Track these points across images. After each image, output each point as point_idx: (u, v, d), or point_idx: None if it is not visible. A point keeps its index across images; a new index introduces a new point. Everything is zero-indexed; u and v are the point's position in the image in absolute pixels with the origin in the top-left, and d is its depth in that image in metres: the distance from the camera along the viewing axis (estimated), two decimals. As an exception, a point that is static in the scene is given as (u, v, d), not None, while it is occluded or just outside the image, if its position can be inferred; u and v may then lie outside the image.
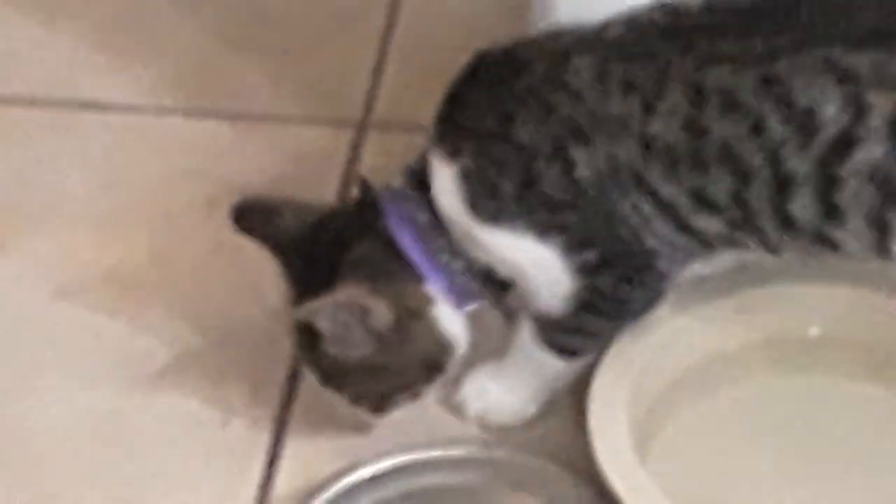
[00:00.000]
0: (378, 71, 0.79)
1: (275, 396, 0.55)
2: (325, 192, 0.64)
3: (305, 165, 0.70)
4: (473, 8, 0.82)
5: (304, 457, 0.53)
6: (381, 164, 0.62)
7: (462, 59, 0.51)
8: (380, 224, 0.52)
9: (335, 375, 0.53)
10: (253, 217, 0.55)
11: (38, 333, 0.61)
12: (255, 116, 0.77)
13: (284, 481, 0.52)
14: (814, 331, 0.59)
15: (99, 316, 0.61)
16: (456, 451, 0.52)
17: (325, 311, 0.49)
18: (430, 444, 0.52)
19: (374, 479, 0.51)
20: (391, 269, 0.52)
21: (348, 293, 0.49)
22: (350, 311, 0.50)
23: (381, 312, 0.51)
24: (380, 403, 0.52)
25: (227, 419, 0.54)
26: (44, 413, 0.56)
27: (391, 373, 0.53)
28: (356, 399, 0.53)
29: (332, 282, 0.51)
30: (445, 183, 0.50)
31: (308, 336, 0.52)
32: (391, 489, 0.51)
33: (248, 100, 0.77)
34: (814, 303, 0.58)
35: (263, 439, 0.54)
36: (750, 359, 0.59)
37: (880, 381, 0.57)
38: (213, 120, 0.76)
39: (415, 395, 0.52)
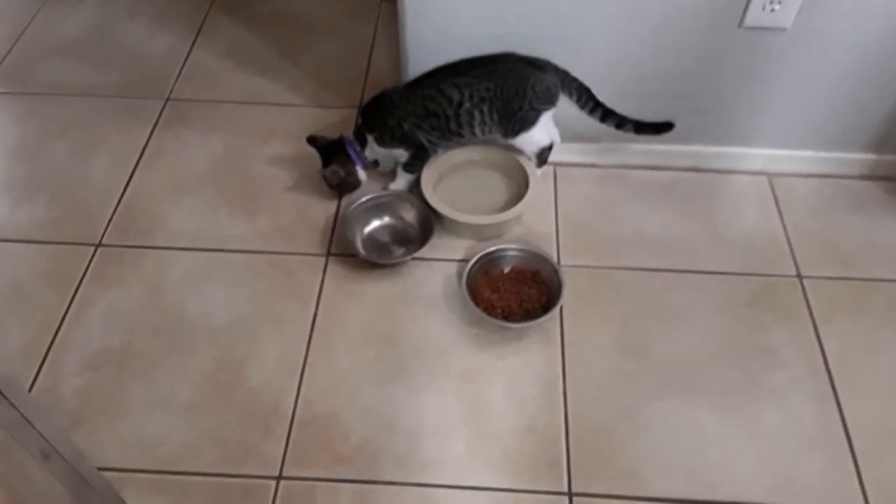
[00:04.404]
0: (365, 81, 1.92)
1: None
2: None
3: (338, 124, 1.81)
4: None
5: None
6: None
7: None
8: (345, 147, 1.62)
9: (328, 184, 1.63)
10: (311, 140, 1.64)
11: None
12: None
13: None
14: (477, 156, 1.68)
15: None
16: (386, 194, 1.66)
17: (328, 171, 1.61)
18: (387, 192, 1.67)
19: (364, 210, 1.66)
20: (346, 161, 1.62)
21: (334, 166, 1.62)
22: (334, 170, 1.61)
23: (342, 171, 1.62)
24: (337, 193, 1.66)
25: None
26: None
27: (345, 187, 1.65)
28: (332, 189, 1.65)
29: (330, 162, 1.61)
30: (371, 139, 1.60)
31: (323, 176, 1.62)
32: (367, 204, 1.64)
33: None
34: (481, 147, 1.67)
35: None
36: (465, 166, 1.69)
37: (502, 174, 1.68)
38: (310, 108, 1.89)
39: (348, 194, 1.66)
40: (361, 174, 1.64)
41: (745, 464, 1.30)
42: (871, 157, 1.73)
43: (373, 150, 1.63)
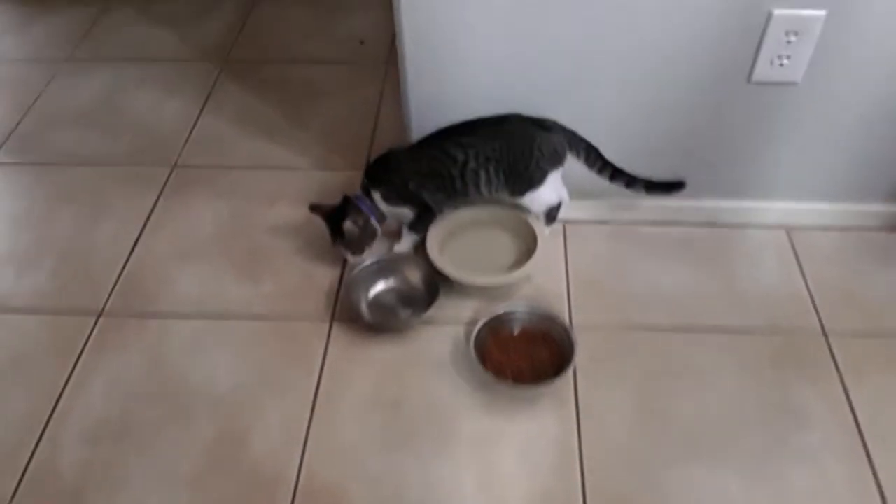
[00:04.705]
0: (371, 143, 1.91)
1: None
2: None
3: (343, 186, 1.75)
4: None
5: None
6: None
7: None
8: (355, 204, 1.54)
9: (346, 244, 1.56)
10: (315, 208, 1.59)
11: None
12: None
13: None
14: (483, 215, 1.63)
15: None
16: (391, 256, 1.63)
17: (347, 226, 1.56)
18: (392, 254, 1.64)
19: (369, 273, 1.61)
20: (360, 214, 1.55)
21: (351, 219, 1.55)
22: (352, 223, 1.56)
23: (359, 223, 1.55)
24: (359, 251, 1.59)
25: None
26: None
27: (363, 240, 1.59)
28: (353, 252, 1.58)
29: (345, 219, 1.54)
30: (377, 196, 1.56)
31: (339, 236, 1.55)
32: (372, 267, 1.61)
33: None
34: (487, 206, 1.63)
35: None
36: (471, 226, 1.63)
37: (510, 233, 1.63)
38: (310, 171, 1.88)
39: (369, 249, 1.61)
40: (376, 224, 1.60)
41: (774, 533, 1.22)
42: (893, 207, 1.68)
43: (378, 206, 1.60)
